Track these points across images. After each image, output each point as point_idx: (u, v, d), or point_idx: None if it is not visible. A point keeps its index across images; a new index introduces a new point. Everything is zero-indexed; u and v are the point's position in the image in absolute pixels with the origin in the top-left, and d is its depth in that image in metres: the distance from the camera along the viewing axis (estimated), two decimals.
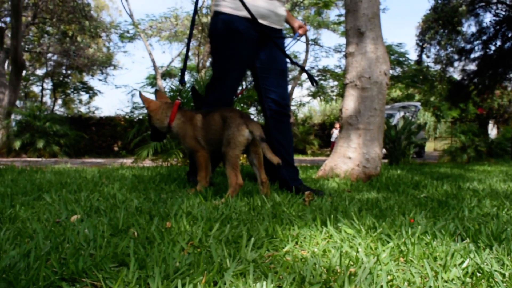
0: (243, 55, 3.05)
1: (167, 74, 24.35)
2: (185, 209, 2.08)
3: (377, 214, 2.16)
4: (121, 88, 44.21)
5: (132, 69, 69.64)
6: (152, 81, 24.26)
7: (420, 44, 17.92)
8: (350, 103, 4.20)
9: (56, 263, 1.24)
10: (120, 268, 1.26)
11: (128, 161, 7.64)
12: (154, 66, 19.78)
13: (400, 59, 23.02)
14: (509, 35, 15.11)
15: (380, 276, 1.18)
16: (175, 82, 20.46)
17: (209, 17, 17.12)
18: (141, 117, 8.15)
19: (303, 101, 25.77)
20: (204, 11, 18.20)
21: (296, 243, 1.60)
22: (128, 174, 4.03)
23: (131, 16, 18.72)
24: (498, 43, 15.79)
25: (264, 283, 1.14)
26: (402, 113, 16.01)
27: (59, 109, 28.19)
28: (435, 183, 3.87)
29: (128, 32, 21.85)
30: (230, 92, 3.19)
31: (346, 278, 1.11)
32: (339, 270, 1.27)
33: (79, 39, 21.62)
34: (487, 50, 16.06)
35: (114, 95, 73.84)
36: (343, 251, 1.46)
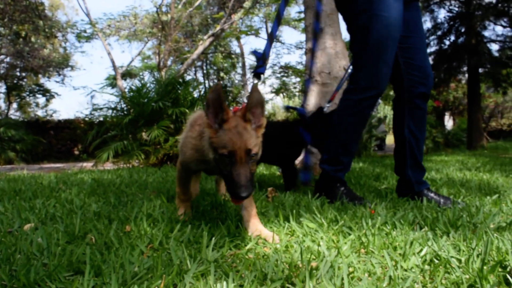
0: (400, 17, 2.34)
1: (128, 74, 23.82)
2: (146, 211, 2.03)
3: (339, 207, 2.18)
4: (80, 89, 42.93)
5: (90, 70, 67.54)
6: (112, 81, 23.73)
7: None
8: (311, 98, 4.23)
9: (5, 276, 1.17)
10: (75, 277, 1.21)
11: (88, 165, 7.43)
12: (114, 66, 19.30)
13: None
14: (462, 30, 15.69)
15: (342, 269, 1.19)
16: (136, 82, 20.06)
17: (169, 15, 16.88)
18: (101, 119, 7.94)
19: (266, 98, 25.89)
20: (164, 9, 17.93)
21: (259, 240, 1.59)
22: (87, 178, 3.90)
23: (88, 15, 18.14)
24: (452, 38, 16.38)
25: (225, 283, 1.12)
26: None
27: (14, 114, 26.98)
28: (395, 174, 3.96)
29: (85, 31, 21.19)
30: (388, 70, 2.39)
31: (307, 273, 1.10)
32: (301, 265, 1.26)
33: (33, 39, 20.81)
34: (442, 45, 16.63)
35: (72, 97, 71.52)
36: (305, 246, 1.46)
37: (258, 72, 2.02)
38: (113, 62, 18.67)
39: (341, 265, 1.23)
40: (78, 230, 1.69)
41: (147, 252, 1.45)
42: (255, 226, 1.70)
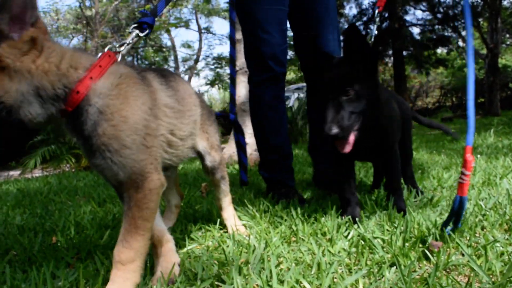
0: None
1: None
2: (73, 219, 1.95)
3: (271, 198, 2.21)
4: None
5: None
6: None
7: None
8: (242, 89, 4.24)
9: None
10: None
11: (16, 173, 6.99)
12: None
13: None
14: (386, 15, 16.42)
15: (271, 261, 1.20)
16: None
17: (93, 10, 16.17)
18: None
19: (201, 90, 25.70)
20: (87, 3, 17.15)
21: (192, 239, 1.57)
22: (12, 188, 3.67)
23: None
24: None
25: (154, 286, 1.10)
26: (297, 95, 16.65)
27: None
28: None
29: None
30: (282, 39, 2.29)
31: (235, 269, 1.11)
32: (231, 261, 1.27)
33: None
34: (368, 31, 17.35)
35: None
36: (236, 240, 1.46)
37: (142, 21, 1.49)
38: None
39: (271, 256, 1.25)
40: None
41: (73, 263, 1.39)
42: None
